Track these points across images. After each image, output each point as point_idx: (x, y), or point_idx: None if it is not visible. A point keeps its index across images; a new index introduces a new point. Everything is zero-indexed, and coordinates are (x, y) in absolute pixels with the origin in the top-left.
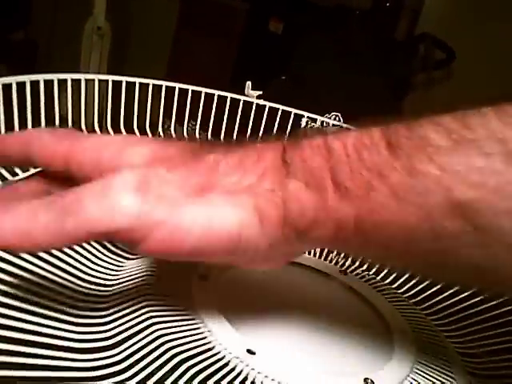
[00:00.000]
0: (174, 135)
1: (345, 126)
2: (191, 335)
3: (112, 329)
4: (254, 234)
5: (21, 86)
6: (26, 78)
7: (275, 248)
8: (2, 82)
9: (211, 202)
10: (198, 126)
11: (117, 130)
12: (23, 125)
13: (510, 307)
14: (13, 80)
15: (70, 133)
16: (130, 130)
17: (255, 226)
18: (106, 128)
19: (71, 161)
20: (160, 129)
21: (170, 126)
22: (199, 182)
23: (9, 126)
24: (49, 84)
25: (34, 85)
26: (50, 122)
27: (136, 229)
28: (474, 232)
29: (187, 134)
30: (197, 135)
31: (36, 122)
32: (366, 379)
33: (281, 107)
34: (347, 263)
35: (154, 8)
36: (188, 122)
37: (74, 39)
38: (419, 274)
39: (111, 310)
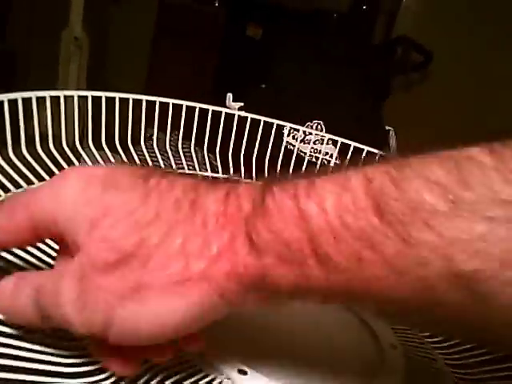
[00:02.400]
0: (155, 148)
1: (327, 135)
2: (179, 356)
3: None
4: (217, 312)
5: None
6: (4, 97)
7: (249, 306)
8: None
9: (148, 302)
10: (180, 137)
11: (98, 145)
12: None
13: None
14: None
15: (17, 203)
16: (111, 144)
17: (216, 307)
18: (87, 144)
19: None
20: (142, 141)
21: (152, 136)
22: (133, 281)
23: None
24: (27, 101)
25: (12, 103)
26: (30, 140)
27: (95, 333)
28: (477, 301)
29: (170, 144)
30: (179, 146)
31: (15, 141)
32: None
33: (262, 119)
34: None
35: (132, 17)
36: (171, 133)
37: (52, 50)
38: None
39: None
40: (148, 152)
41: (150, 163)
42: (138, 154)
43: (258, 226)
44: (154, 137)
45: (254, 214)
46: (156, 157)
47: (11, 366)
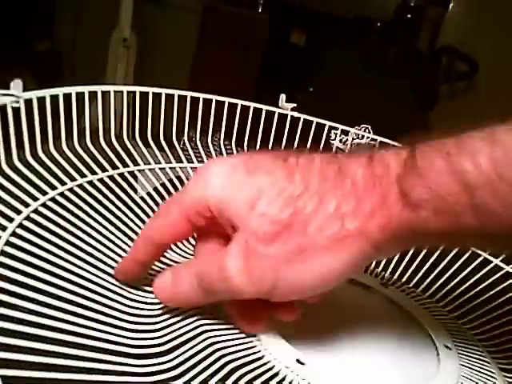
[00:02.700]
0: (198, 144)
1: (378, 138)
2: (242, 343)
3: (164, 335)
4: (369, 260)
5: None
6: (59, 91)
7: (394, 253)
8: (37, 95)
9: (312, 260)
10: (222, 137)
11: (145, 141)
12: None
13: None
14: (46, 93)
15: (169, 203)
16: (156, 139)
17: (369, 256)
18: (134, 138)
19: (192, 220)
20: (186, 138)
21: (196, 133)
22: (296, 246)
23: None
24: (78, 96)
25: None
26: (80, 133)
27: (261, 295)
28: None
29: (212, 144)
30: (222, 146)
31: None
32: None
33: (315, 120)
34: (387, 275)
35: (178, 20)
36: (213, 133)
37: (97, 51)
38: None
39: (163, 318)
40: (192, 149)
41: (196, 161)
42: (183, 151)
43: (414, 184)
44: (197, 133)
45: (405, 172)
46: (200, 153)
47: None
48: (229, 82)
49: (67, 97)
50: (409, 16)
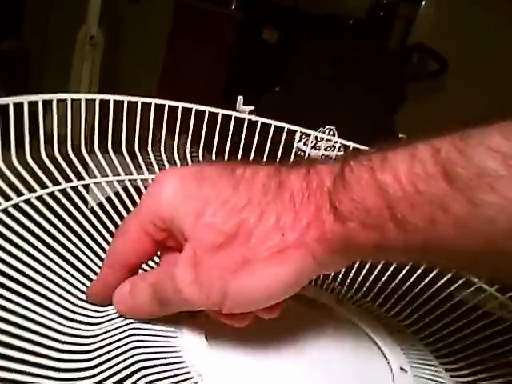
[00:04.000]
0: (162, 152)
1: (338, 140)
2: (180, 381)
3: (95, 370)
4: (312, 273)
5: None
6: (9, 101)
7: (337, 267)
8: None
9: (256, 272)
10: (189, 142)
11: (104, 149)
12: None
13: None
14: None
15: (126, 220)
16: (117, 149)
17: (310, 268)
18: (93, 148)
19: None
20: (149, 146)
21: (160, 140)
22: (240, 256)
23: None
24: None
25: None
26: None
27: (213, 307)
28: None
29: (178, 148)
30: (187, 151)
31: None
32: None
33: (273, 123)
34: (344, 290)
35: (147, 17)
36: (179, 137)
37: (66, 49)
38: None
39: (95, 354)
40: (155, 157)
41: (157, 168)
42: (143, 159)
43: (341, 197)
44: (162, 141)
45: (335, 186)
46: (162, 162)
47: None
48: (199, 81)
49: (19, 106)
50: (381, 13)
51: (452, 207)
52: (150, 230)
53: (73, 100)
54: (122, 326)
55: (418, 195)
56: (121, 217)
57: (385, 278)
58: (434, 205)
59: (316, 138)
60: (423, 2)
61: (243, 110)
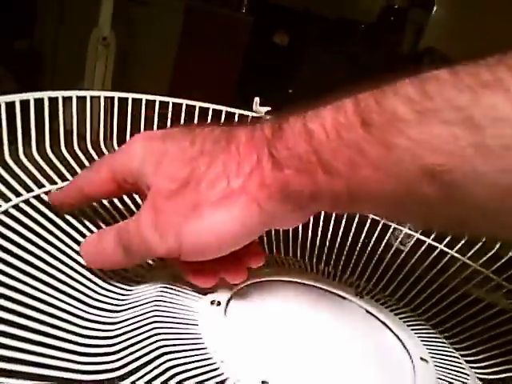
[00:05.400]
0: None
1: None
2: (202, 366)
3: (119, 355)
4: (259, 222)
5: (25, 103)
6: (30, 96)
7: (283, 218)
8: (5, 100)
9: (204, 216)
10: None
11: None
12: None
13: None
14: (16, 98)
15: (101, 161)
16: None
17: (255, 214)
18: (112, 144)
19: (118, 182)
20: None
21: None
22: (191, 201)
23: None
24: (53, 100)
25: (39, 101)
26: (54, 137)
27: (171, 253)
28: (448, 194)
29: None
30: None
31: (40, 137)
32: None
33: None
34: (362, 284)
35: (159, 19)
36: None
37: (78, 49)
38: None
39: (118, 340)
40: None
41: None
42: None
43: (277, 145)
44: None
45: (273, 136)
46: None
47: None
48: (211, 83)
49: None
50: (392, 18)
51: (368, 151)
52: (119, 179)
53: (92, 97)
54: (144, 314)
55: (339, 140)
56: (131, 212)
57: (404, 272)
58: (352, 149)
59: None
60: (434, 7)
61: (260, 111)
